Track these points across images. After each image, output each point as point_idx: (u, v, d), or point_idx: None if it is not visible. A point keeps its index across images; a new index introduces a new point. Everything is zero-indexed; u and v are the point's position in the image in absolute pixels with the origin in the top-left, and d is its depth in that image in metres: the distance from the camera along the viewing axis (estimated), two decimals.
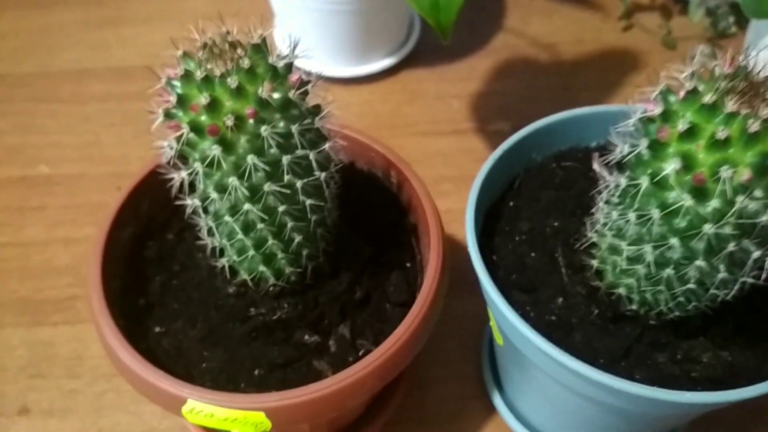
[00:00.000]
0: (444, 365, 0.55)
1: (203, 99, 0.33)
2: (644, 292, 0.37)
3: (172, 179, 0.36)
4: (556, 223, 0.43)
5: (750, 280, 0.33)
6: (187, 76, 0.34)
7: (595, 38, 0.78)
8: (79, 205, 0.66)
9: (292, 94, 0.35)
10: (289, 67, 0.36)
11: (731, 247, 0.31)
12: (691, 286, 0.34)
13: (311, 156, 0.36)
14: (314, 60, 0.73)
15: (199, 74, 0.34)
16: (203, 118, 0.34)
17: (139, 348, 0.40)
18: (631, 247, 0.35)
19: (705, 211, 0.31)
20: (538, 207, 0.45)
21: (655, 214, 0.32)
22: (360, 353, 0.42)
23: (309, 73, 0.37)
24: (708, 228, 0.31)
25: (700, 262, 0.33)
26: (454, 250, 0.58)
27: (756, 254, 0.32)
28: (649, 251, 0.34)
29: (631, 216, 0.34)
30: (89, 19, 0.83)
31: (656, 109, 0.31)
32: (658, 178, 0.31)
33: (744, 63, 0.31)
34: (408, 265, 0.47)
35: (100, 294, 0.41)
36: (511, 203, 0.46)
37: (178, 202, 0.38)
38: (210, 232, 0.40)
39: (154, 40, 0.80)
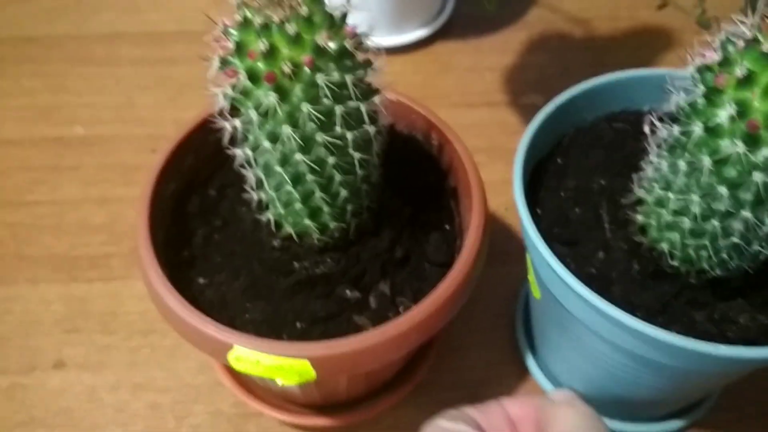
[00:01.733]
0: (476, 332, 0.56)
1: (261, 45, 0.33)
2: (687, 247, 0.37)
3: (217, 133, 0.37)
4: (602, 181, 0.43)
5: None
6: (245, 22, 0.34)
7: (630, 15, 0.78)
8: (113, 165, 0.66)
9: (348, 44, 0.35)
10: (345, 16, 0.36)
11: None
12: (735, 239, 0.35)
13: (363, 108, 0.37)
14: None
15: (258, 21, 0.34)
16: (260, 64, 0.34)
17: (185, 297, 0.41)
18: (679, 199, 0.35)
19: (756, 159, 0.31)
20: (585, 165, 0.45)
21: (706, 162, 0.32)
22: (400, 310, 0.42)
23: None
24: (758, 176, 0.31)
25: (746, 213, 0.33)
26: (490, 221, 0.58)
27: None
28: (696, 202, 0.34)
29: (682, 165, 0.34)
30: None
31: (715, 57, 0.31)
32: (712, 124, 0.31)
33: None
34: (447, 227, 0.47)
35: (148, 244, 0.41)
36: (558, 160, 0.46)
37: (221, 157, 0.38)
38: (258, 184, 0.40)
39: (186, 5, 0.80)
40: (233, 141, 0.38)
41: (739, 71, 0.30)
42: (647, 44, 0.74)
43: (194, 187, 0.48)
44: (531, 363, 0.53)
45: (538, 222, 0.42)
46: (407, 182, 0.48)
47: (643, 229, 0.40)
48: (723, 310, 0.39)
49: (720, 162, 0.32)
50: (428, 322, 0.39)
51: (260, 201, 0.41)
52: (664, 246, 0.38)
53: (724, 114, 0.31)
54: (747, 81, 0.30)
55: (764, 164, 0.31)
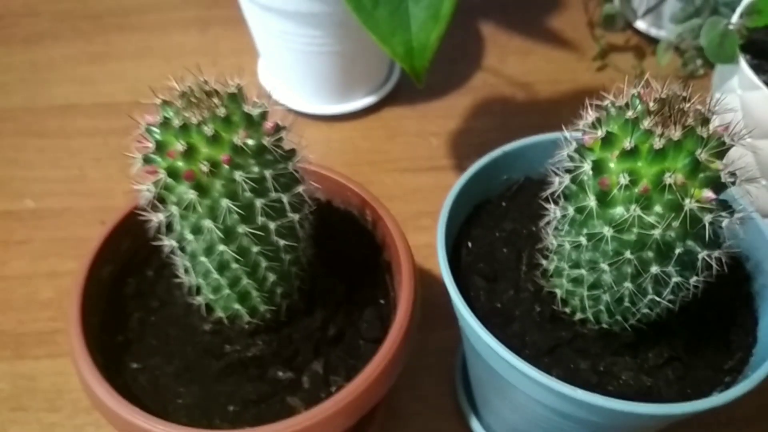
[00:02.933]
0: (421, 400, 0.56)
1: (180, 146, 0.34)
2: (578, 297, 0.40)
3: (151, 220, 0.38)
4: (533, 227, 0.45)
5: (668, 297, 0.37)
6: (165, 123, 0.36)
7: (571, 78, 0.81)
8: (63, 239, 0.67)
9: (266, 141, 0.36)
10: (264, 114, 0.37)
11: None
12: (624, 298, 0.38)
13: (285, 199, 0.38)
14: (297, 97, 0.76)
15: (177, 122, 0.35)
16: (180, 163, 0.35)
17: (116, 384, 0.41)
18: (574, 270, 0.39)
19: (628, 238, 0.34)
20: (527, 211, 0.48)
21: (583, 240, 0.36)
22: (333, 390, 0.43)
23: (288, 112, 0.39)
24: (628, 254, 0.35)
25: (628, 284, 0.36)
26: (432, 284, 0.59)
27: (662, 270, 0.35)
28: (586, 274, 0.38)
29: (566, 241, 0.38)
30: (77, 55, 0.85)
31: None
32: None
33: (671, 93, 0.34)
34: (382, 302, 0.48)
35: (79, 331, 0.42)
36: (503, 203, 0.50)
37: (150, 243, 0.39)
38: (186, 271, 0.41)
39: (142, 76, 0.82)
40: (163, 229, 0.39)
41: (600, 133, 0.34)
42: (584, 108, 0.77)
43: (131, 268, 0.48)
44: (476, 426, 0.53)
45: (468, 255, 0.46)
46: (343, 258, 0.49)
47: (546, 273, 0.42)
48: (608, 364, 0.41)
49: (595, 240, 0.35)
50: (357, 402, 0.40)
51: (191, 285, 0.42)
52: (559, 292, 0.41)
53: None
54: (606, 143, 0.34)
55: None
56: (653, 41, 0.82)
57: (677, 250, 0.34)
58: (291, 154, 0.39)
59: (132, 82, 0.82)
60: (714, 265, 0.35)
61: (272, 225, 0.38)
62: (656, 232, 0.33)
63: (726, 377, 0.41)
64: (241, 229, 0.37)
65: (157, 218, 0.38)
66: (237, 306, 0.42)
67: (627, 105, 0.35)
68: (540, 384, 0.37)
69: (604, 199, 0.34)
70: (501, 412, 0.49)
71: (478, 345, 0.41)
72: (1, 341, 0.60)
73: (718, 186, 0.33)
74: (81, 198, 0.70)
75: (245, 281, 0.40)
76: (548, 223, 0.39)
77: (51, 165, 0.73)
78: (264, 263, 0.40)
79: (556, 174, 0.37)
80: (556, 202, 0.38)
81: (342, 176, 0.51)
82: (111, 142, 0.75)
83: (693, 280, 0.36)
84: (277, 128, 0.38)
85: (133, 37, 0.87)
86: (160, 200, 0.38)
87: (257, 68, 0.81)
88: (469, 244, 0.47)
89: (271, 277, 0.41)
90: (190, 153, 0.35)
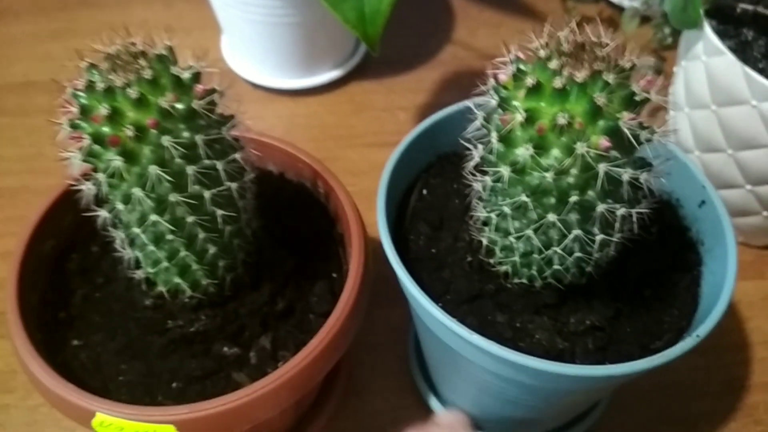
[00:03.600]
0: (380, 376, 0.55)
1: (104, 110, 0.33)
2: (505, 252, 0.40)
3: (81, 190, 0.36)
4: None
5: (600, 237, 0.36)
6: (90, 86, 0.34)
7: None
8: (20, 218, 0.64)
9: (197, 104, 0.35)
10: (196, 77, 0.36)
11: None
12: (534, 255, 0.37)
13: (219, 166, 0.36)
14: (261, 71, 0.74)
15: (100, 85, 0.34)
16: (105, 129, 0.34)
17: (56, 361, 0.40)
18: (491, 215, 0.39)
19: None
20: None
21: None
22: (279, 365, 0.42)
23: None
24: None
25: (529, 231, 0.36)
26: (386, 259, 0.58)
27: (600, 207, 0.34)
28: (495, 219, 0.38)
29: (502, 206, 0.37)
30: (38, 32, 0.83)
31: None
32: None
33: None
34: (334, 275, 0.47)
35: (15, 307, 0.41)
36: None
37: (91, 216, 0.38)
38: (124, 245, 0.40)
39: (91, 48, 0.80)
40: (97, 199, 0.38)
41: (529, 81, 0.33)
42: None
43: (75, 243, 0.47)
44: (434, 402, 0.52)
45: (418, 202, 0.47)
46: (295, 231, 0.48)
47: (484, 224, 0.41)
48: (525, 321, 0.40)
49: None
50: (302, 376, 0.39)
51: (130, 260, 0.41)
52: (485, 241, 0.41)
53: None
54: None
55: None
56: (620, 9, 0.80)
57: (572, 199, 0.34)
58: (226, 119, 0.37)
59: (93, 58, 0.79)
60: (632, 218, 0.35)
61: (207, 193, 0.37)
62: (549, 175, 0.33)
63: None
64: (173, 197, 0.36)
65: (86, 188, 0.36)
66: (177, 280, 0.40)
67: (545, 45, 0.33)
68: (446, 327, 0.37)
69: (506, 138, 0.34)
70: (446, 376, 0.48)
71: (404, 289, 0.41)
72: None
73: (630, 139, 0.32)
74: (39, 176, 0.68)
75: (183, 253, 0.39)
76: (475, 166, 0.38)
77: (9, 143, 0.71)
78: (202, 234, 0.38)
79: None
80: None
81: (293, 147, 0.49)
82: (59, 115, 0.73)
83: (599, 237, 0.35)
84: (210, 92, 0.36)
85: (96, 13, 0.85)
86: (94, 170, 0.36)
87: (220, 44, 0.79)
88: (424, 192, 0.48)
89: (211, 249, 0.39)
90: (114, 117, 0.33)
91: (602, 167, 0.32)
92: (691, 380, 0.55)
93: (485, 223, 0.40)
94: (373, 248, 0.46)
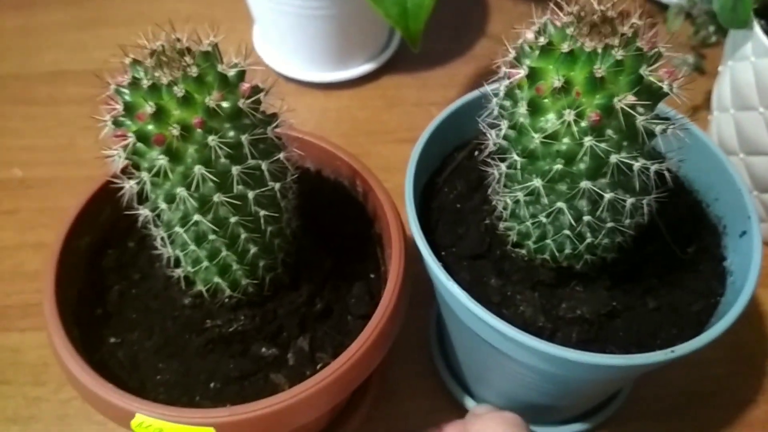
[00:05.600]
0: (414, 377, 0.55)
1: (149, 108, 0.32)
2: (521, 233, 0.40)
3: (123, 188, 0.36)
4: None
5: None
6: (134, 83, 0.34)
7: None
8: (51, 209, 0.65)
9: (242, 103, 0.34)
10: (241, 75, 0.35)
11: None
12: (565, 231, 0.36)
13: (263, 166, 0.36)
14: (293, 64, 0.73)
15: (146, 82, 0.33)
16: (150, 127, 0.33)
17: (93, 359, 0.39)
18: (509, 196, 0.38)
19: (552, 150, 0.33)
20: None
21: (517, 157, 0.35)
22: (318, 367, 0.41)
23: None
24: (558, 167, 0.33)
25: (561, 204, 0.35)
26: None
27: (608, 196, 0.33)
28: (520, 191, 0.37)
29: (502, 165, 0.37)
30: (68, 21, 0.82)
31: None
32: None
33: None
34: (372, 276, 0.46)
35: (53, 303, 0.40)
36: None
37: (130, 212, 0.37)
38: (164, 243, 0.39)
39: (132, 41, 0.79)
40: (140, 198, 0.37)
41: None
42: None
43: (112, 239, 0.47)
44: (468, 401, 0.52)
45: (465, 161, 0.47)
46: (332, 231, 0.47)
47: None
48: (515, 292, 0.41)
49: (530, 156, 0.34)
50: (342, 381, 0.38)
51: (170, 258, 0.40)
52: (501, 208, 0.41)
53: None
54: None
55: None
56: (665, 7, 0.78)
57: (557, 166, 0.33)
58: (271, 118, 0.36)
59: (136, 53, 0.79)
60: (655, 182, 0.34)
61: (251, 194, 0.36)
62: (537, 138, 0.32)
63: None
64: (217, 197, 0.35)
65: (129, 186, 0.36)
66: (217, 279, 0.40)
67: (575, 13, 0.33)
68: (431, 268, 0.38)
69: (511, 95, 0.34)
70: (480, 376, 0.48)
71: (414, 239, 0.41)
72: None
73: (624, 122, 0.31)
74: (70, 167, 0.68)
75: (224, 253, 0.38)
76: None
77: (40, 133, 0.71)
78: (244, 234, 0.38)
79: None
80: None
81: (332, 145, 0.48)
82: (102, 110, 0.73)
83: (630, 201, 0.34)
84: (255, 90, 0.35)
85: (127, 2, 0.85)
86: (135, 167, 0.36)
87: (252, 35, 0.78)
88: (476, 153, 0.47)
89: (253, 249, 0.39)
90: (160, 115, 0.33)
91: (588, 141, 0.31)
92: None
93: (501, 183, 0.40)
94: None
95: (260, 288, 0.42)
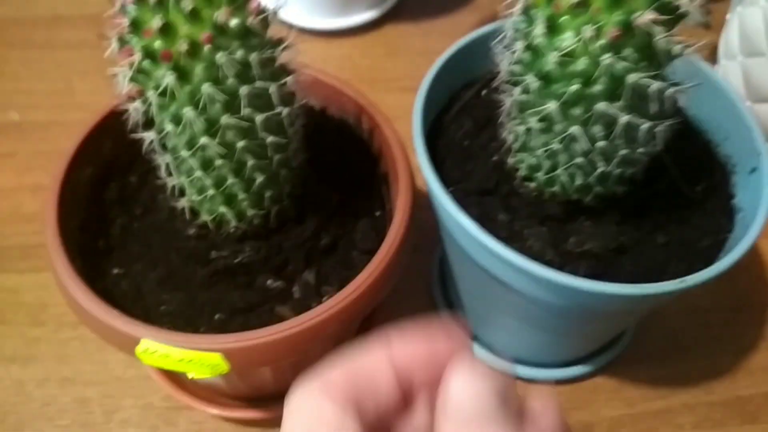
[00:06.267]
0: (409, 314, 0.55)
1: (156, 22, 0.31)
2: (531, 165, 0.39)
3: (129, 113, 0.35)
4: None
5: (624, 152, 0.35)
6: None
7: None
8: (48, 152, 0.64)
9: (251, 21, 0.33)
10: None
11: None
12: (578, 159, 0.36)
13: (272, 89, 0.35)
14: (294, 10, 0.71)
15: None
16: (157, 43, 0.32)
17: (96, 288, 0.39)
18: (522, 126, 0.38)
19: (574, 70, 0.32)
20: None
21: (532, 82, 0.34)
22: (324, 299, 0.41)
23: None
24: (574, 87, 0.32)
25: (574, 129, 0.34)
26: (427, 206, 0.57)
27: (624, 119, 0.33)
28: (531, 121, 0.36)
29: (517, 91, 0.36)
30: None
31: None
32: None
33: None
34: (377, 213, 0.46)
35: (55, 234, 0.40)
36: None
37: (135, 136, 0.37)
38: (169, 170, 0.38)
39: None
40: (144, 123, 0.36)
41: None
42: None
43: (114, 173, 0.46)
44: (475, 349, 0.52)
45: (472, 100, 0.47)
46: (338, 167, 0.46)
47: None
48: (522, 227, 0.40)
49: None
50: (349, 310, 0.38)
51: (175, 187, 0.40)
52: (511, 138, 0.40)
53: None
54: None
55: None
56: None
57: (574, 87, 0.32)
58: (279, 41, 0.36)
59: None
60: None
61: (259, 117, 0.35)
62: (554, 56, 0.32)
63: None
64: (225, 119, 0.34)
65: (134, 107, 0.35)
66: (223, 209, 0.39)
67: None
68: (442, 206, 0.38)
69: (527, 13, 0.33)
70: (480, 313, 0.48)
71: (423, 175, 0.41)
72: None
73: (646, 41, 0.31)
74: (67, 111, 0.67)
75: (231, 181, 0.37)
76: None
77: (37, 77, 0.70)
78: (251, 161, 0.37)
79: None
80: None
81: (338, 80, 0.48)
82: (98, 55, 0.71)
83: (645, 126, 0.33)
84: (263, 10, 0.34)
85: None
86: (140, 93, 0.35)
87: None
88: (483, 92, 0.47)
89: (259, 177, 0.38)
90: (167, 31, 0.32)
91: (606, 61, 0.31)
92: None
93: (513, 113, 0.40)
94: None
95: (266, 220, 0.41)
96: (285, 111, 0.36)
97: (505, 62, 0.36)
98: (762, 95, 0.54)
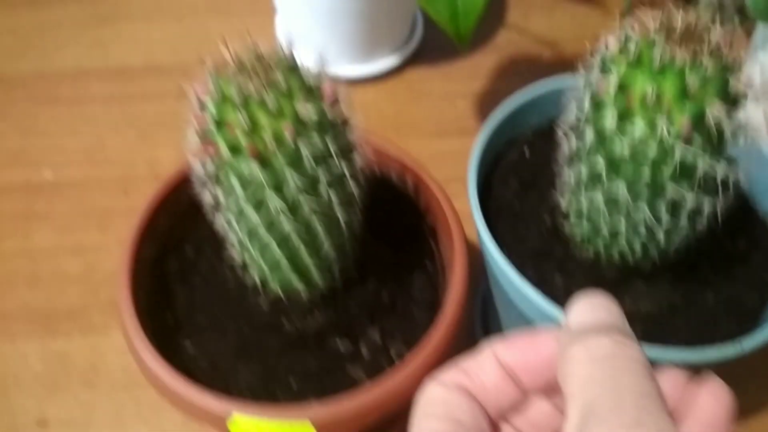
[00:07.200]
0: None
1: (242, 120, 0.33)
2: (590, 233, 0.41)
3: (190, 189, 0.37)
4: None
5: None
6: (222, 95, 0.34)
7: (596, 35, 0.78)
8: (86, 210, 0.65)
9: (326, 109, 0.35)
10: (320, 80, 0.36)
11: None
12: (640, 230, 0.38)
13: (345, 168, 0.37)
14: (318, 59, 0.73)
15: (235, 94, 0.33)
16: (242, 138, 0.34)
17: (175, 364, 0.40)
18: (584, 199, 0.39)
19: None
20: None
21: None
22: (392, 356, 0.42)
23: (334, 80, 0.37)
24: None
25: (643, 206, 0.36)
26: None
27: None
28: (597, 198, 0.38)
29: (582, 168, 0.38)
30: (86, 17, 0.81)
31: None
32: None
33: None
34: (429, 266, 0.47)
35: (134, 318, 0.40)
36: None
37: (194, 212, 0.38)
38: (241, 246, 0.40)
39: (153, 38, 0.79)
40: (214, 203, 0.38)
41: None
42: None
43: (170, 246, 0.47)
44: None
45: (515, 159, 0.49)
46: (385, 224, 0.48)
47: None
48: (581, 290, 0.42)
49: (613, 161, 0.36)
50: (427, 367, 0.39)
51: (242, 261, 0.41)
52: (564, 205, 0.43)
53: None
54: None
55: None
56: None
57: (645, 177, 0.35)
58: (347, 120, 0.37)
59: (144, 44, 0.79)
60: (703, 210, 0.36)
61: (333, 195, 0.37)
62: (627, 146, 0.34)
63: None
64: (305, 202, 0.36)
65: (212, 193, 0.36)
66: (294, 280, 0.41)
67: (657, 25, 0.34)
68: (499, 269, 0.41)
69: (597, 103, 0.35)
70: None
71: (479, 239, 0.43)
72: (32, 318, 0.58)
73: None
74: (101, 167, 0.68)
75: (305, 254, 0.39)
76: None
77: (67, 133, 0.71)
78: (324, 235, 0.39)
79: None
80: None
81: (382, 141, 0.50)
82: (128, 109, 0.73)
83: (666, 219, 0.36)
84: (335, 98, 0.36)
85: None
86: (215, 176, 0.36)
87: (274, 28, 0.78)
88: (525, 149, 0.50)
89: (330, 248, 0.40)
90: (252, 127, 0.33)
91: (679, 149, 0.33)
92: None
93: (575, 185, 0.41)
94: None
95: (332, 285, 0.43)
96: (355, 186, 0.38)
97: (565, 141, 0.37)
98: None
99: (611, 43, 0.35)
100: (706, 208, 0.36)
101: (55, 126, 0.72)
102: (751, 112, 0.60)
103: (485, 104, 0.73)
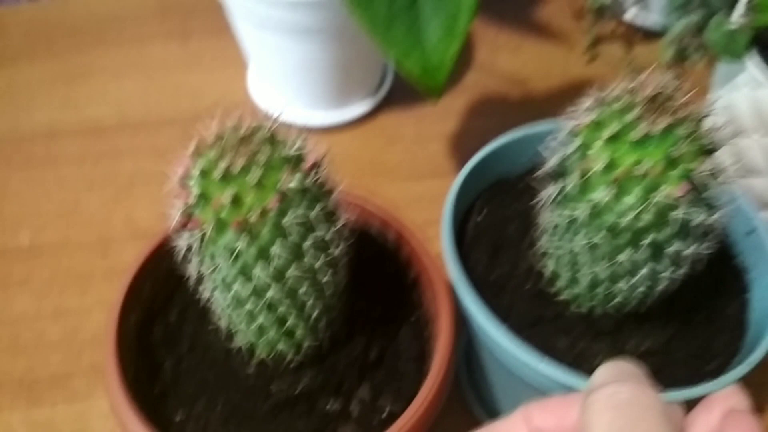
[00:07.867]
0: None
1: (226, 196, 0.33)
2: (566, 282, 0.42)
3: (171, 256, 0.37)
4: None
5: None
6: (204, 173, 0.35)
7: (562, 71, 0.81)
8: (64, 274, 0.64)
9: (309, 182, 0.36)
10: (302, 153, 0.36)
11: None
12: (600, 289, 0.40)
13: (328, 236, 0.37)
14: (291, 109, 0.74)
15: (216, 171, 0.34)
16: (226, 214, 0.34)
17: None
18: (558, 250, 0.42)
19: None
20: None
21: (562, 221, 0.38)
22: (383, 414, 0.43)
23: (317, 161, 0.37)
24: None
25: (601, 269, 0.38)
26: None
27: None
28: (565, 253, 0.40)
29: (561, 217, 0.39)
30: (55, 76, 0.81)
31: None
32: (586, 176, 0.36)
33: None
34: (413, 318, 0.48)
35: (121, 390, 0.40)
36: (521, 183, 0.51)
37: (176, 278, 0.38)
38: (229, 317, 0.40)
39: (125, 95, 0.79)
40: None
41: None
42: (581, 98, 0.77)
43: (154, 314, 0.47)
44: None
45: (476, 229, 0.50)
46: (368, 279, 0.48)
47: (544, 254, 0.44)
48: (585, 348, 0.43)
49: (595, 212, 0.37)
50: (418, 425, 0.40)
51: (227, 328, 0.41)
52: (548, 270, 0.44)
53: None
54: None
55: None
56: (640, 30, 0.82)
57: (645, 241, 0.36)
58: (330, 190, 0.38)
59: (115, 101, 0.79)
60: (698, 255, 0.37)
61: (318, 263, 0.37)
62: (623, 219, 0.35)
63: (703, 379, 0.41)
64: (290, 270, 0.36)
65: (197, 266, 0.37)
66: (281, 345, 0.41)
67: (619, 97, 0.36)
68: (494, 341, 0.41)
69: (585, 181, 0.36)
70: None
71: (468, 315, 0.43)
72: (14, 389, 0.57)
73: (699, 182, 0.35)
74: (77, 228, 0.68)
75: (292, 320, 0.39)
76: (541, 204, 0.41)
77: (42, 195, 0.70)
78: (310, 300, 0.39)
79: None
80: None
81: (362, 199, 0.51)
82: (102, 167, 0.72)
83: (666, 274, 0.38)
84: (316, 166, 0.37)
85: (112, 52, 0.84)
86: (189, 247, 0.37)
87: (246, 81, 0.79)
88: (478, 219, 0.51)
89: (317, 311, 0.40)
90: (236, 202, 0.34)
91: (674, 213, 0.35)
92: None
93: (547, 254, 0.43)
94: None
95: (320, 346, 0.43)
96: (338, 251, 0.39)
97: (553, 218, 0.39)
98: (749, 171, 0.59)
99: (584, 118, 0.36)
100: (689, 256, 0.37)
101: (29, 188, 0.71)
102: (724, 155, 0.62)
103: (457, 145, 0.74)
